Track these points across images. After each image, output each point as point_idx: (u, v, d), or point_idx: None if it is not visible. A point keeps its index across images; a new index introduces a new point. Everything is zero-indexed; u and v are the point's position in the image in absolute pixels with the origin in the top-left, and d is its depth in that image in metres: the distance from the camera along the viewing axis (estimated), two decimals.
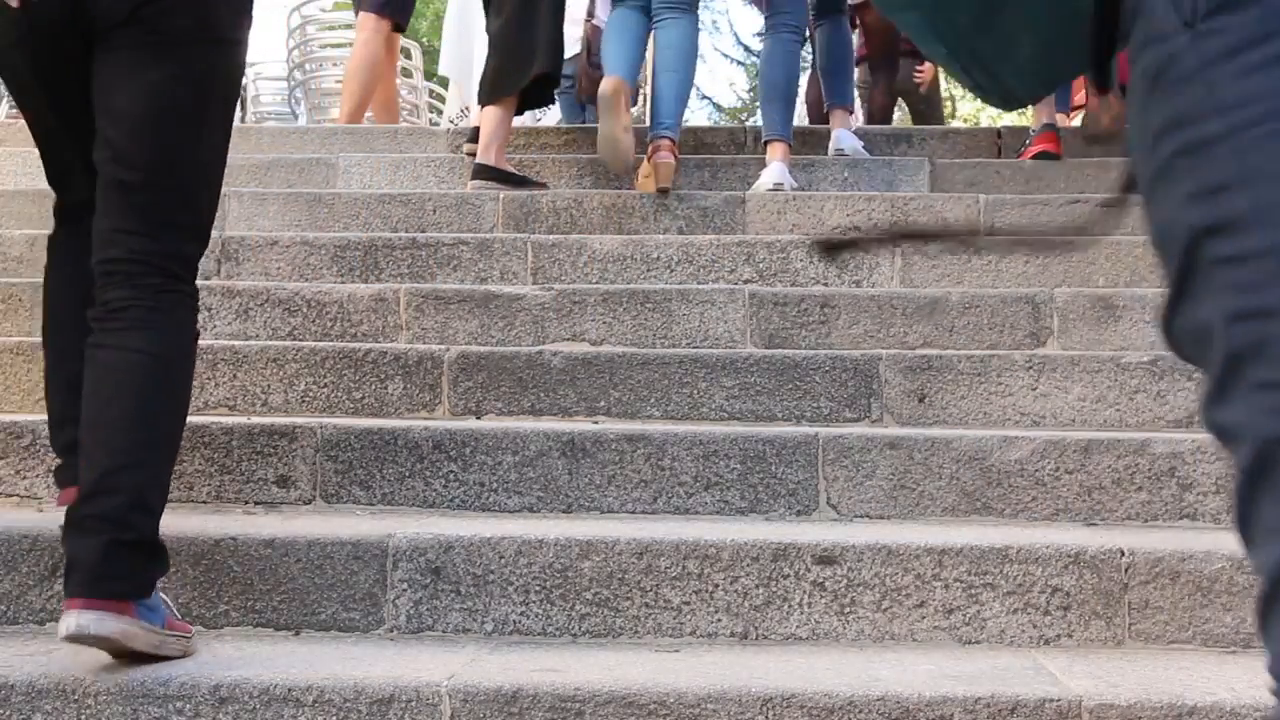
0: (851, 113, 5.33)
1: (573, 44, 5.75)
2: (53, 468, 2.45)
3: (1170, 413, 3.13)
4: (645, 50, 4.98)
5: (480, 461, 2.75)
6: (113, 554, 1.97)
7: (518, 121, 6.45)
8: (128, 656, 2.02)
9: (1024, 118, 6.95)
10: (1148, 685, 2.04)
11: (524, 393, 3.17)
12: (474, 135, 5.06)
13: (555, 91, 5.28)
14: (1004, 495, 2.71)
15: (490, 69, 4.80)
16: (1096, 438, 2.74)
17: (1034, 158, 4.89)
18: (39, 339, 3.37)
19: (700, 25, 4.96)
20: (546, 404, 3.17)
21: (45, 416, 2.53)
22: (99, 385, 2.06)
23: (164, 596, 2.15)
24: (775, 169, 4.68)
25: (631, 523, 2.63)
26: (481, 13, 6.35)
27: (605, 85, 4.45)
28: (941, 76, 7.49)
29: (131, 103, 2.11)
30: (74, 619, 1.94)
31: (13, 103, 8.66)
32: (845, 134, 5.06)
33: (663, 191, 4.51)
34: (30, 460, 2.77)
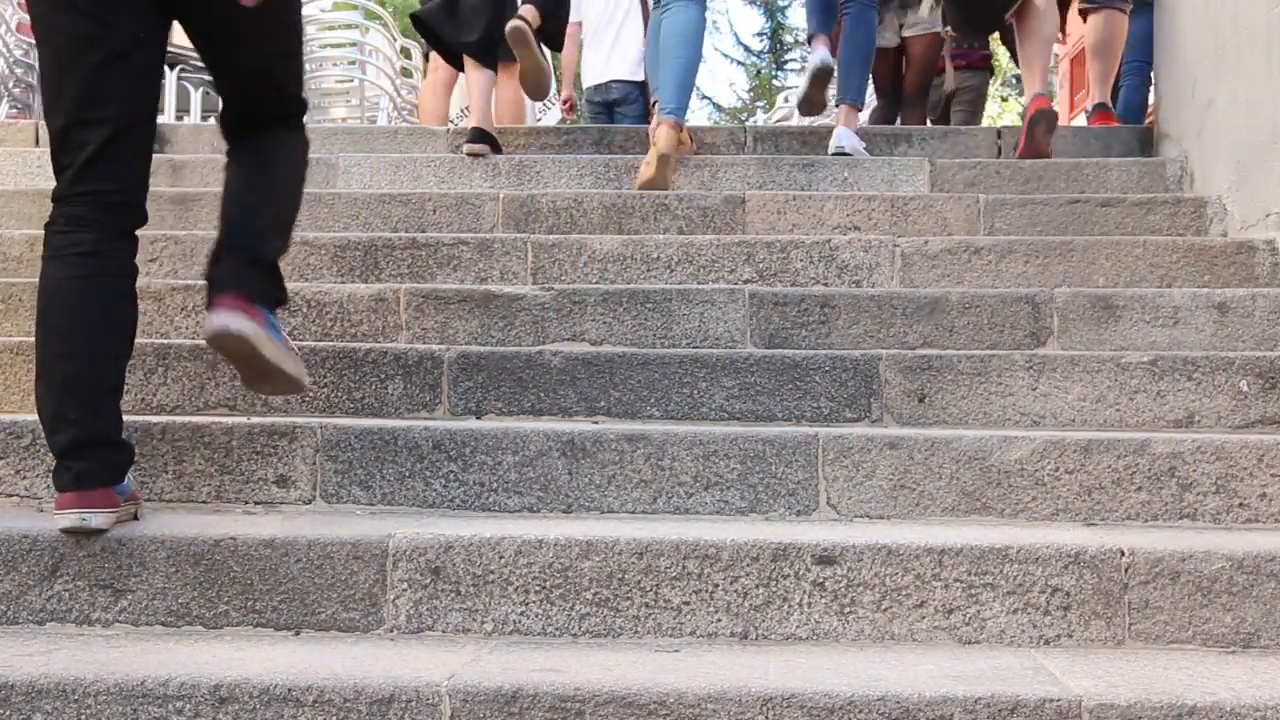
0: (860, 110, 5.30)
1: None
2: (52, 468, 2.45)
3: (1170, 413, 3.13)
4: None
5: (480, 461, 2.75)
6: (249, 267, 2.47)
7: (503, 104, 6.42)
8: (253, 360, 2.42)
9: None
10: (1148, 685, 2.04)
11: (524, 393, 3.17)
12: (473, 136, 5.07)
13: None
14: (1004, 495, 2.71)
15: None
16: (1096, 438, 2.74)
17: None
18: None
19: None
20: (546, 404, 3.17)
21: None
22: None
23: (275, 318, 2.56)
24: (842, 133, 4.93)
25: (631, 523, 2.63)
26: None
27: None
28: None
29: None
30: (214, 318, 2.38)
31: (13, 102, 8.58)
32: (847, 132, 5.01)
33: (663, 160, 4.59)
34: (30, 460, 2.77)
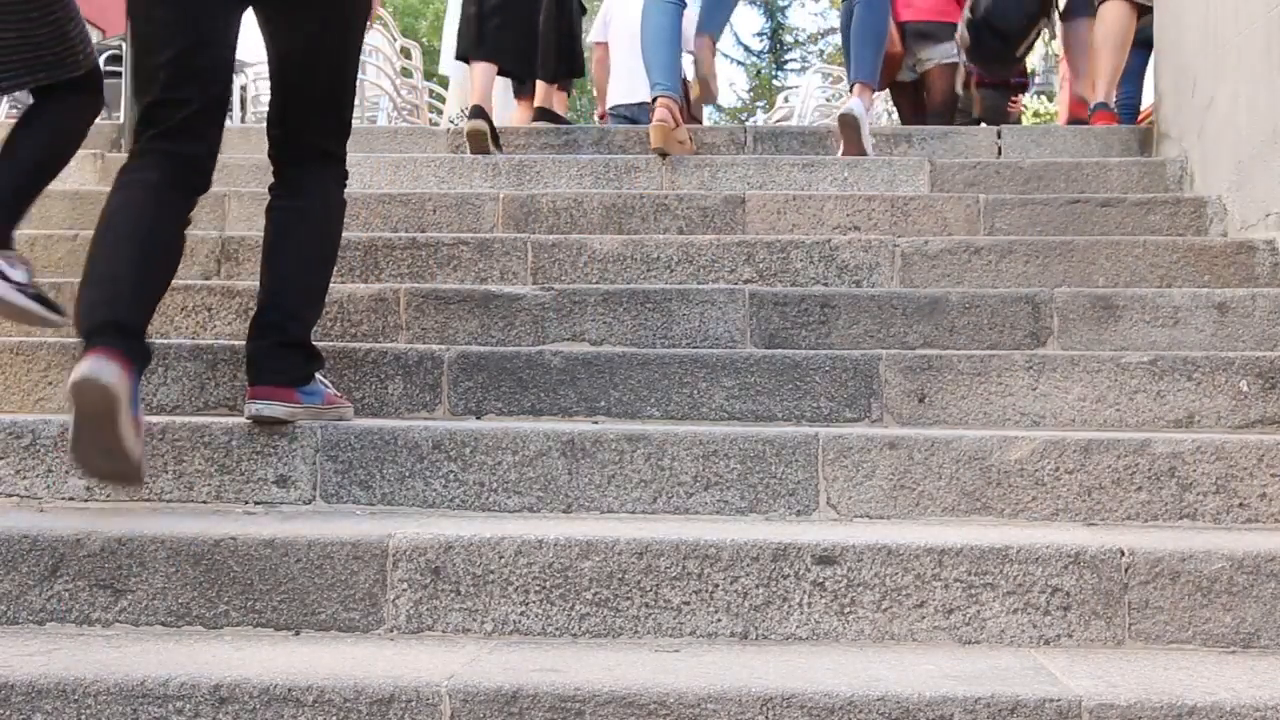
0: (872, 90, 5.44)
1: None
2: (51, 466, 2.44)
3: (1170, 413, 3.13)
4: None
5: (480, 461, 2.75)
6: (277, 352, 2.81)
7: (518, 122, 6.46)
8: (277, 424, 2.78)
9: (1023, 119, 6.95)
10: (1148, 685, 2.04)
11: (524, 393, 3.17)
12: (474, 112, 5.14)
13: None
14: (1004, 495, 2.71)
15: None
16: (1096, 438, 2.74)
17: None
18: (39, 338, 3.39)
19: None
20: (546, 404, 3.17)
21: (44, 416, 2.53)
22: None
23: (322, 380, 2.95)
24: (854, 101, 5.10)
25: (631, 523, 2.63)
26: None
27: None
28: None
29: None
30: (253, 406, 2.77)
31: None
32: (858, 102, 5.13)
33: (660, 154, 4.88)
34: (30, 460, 2.77)
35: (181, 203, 2.79)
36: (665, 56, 5.17)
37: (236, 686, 1.99)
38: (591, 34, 7.89)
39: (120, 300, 2.65)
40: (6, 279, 2.98)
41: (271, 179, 2.98)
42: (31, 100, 3.34)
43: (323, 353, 3.00)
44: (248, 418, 2.79)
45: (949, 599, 2.32)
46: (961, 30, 5.92)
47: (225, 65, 2.84)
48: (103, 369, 2.47)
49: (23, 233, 4.10)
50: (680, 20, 5.32)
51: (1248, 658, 2.25)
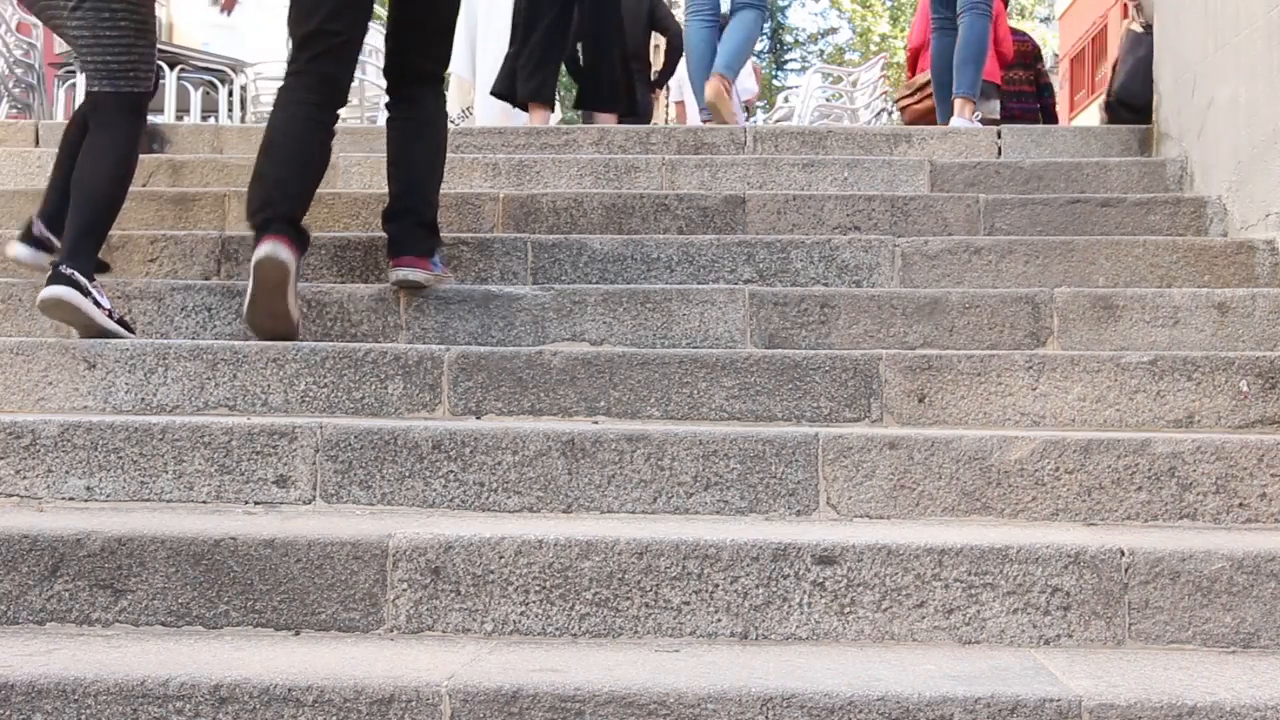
0: (973, 104, 5.95)
1: None
2: (51, 465, 2.47)
3: (1170, 413, 3.13)
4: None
5: (480, 461, 2.75)
6: (415, 232, 3.57)
7: (518, 122, 6.46)
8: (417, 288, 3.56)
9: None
10: (1148, 685, 2.04)
11: (524, 393, 3.17)
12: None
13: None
14: (1004, 495, 2.71)
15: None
16: (1096, 438, 2.74)
17: None
18: (39, 339, 3.40)
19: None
20: (546, 404, 3.17)
21: (44, 416, 2.54)
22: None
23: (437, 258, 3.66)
24: (959, 121, 5.77)
25: (631, 523, 2.63)
26: (482, 13, 6.55)
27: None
28: None
29: None
30: (397, 273, 3.53)
31: (13, 102, 8.57)
32: (963, 120, 5.71)
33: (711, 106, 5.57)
34: (30, 460, 2.77)
35: (329, 118, 3.57)
36: (705, 79, 5.77)
37: (236, 686, 1.99)
38: (672, 93, 8.55)
39: (286, 198, 3.38)
40: (99, 305, 3.34)
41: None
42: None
43: (329, 351, 3.02)
44: (393, 283, 3.55)
45: (949, 599, 2.32)
46: (1101, 109, 6.94)
47: (369, 7, 3.58)
48: (278, 249, 3.24)
49: None
50: (716, 36, 5.82)
51: (1248, 658, 2.25)
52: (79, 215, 3.42)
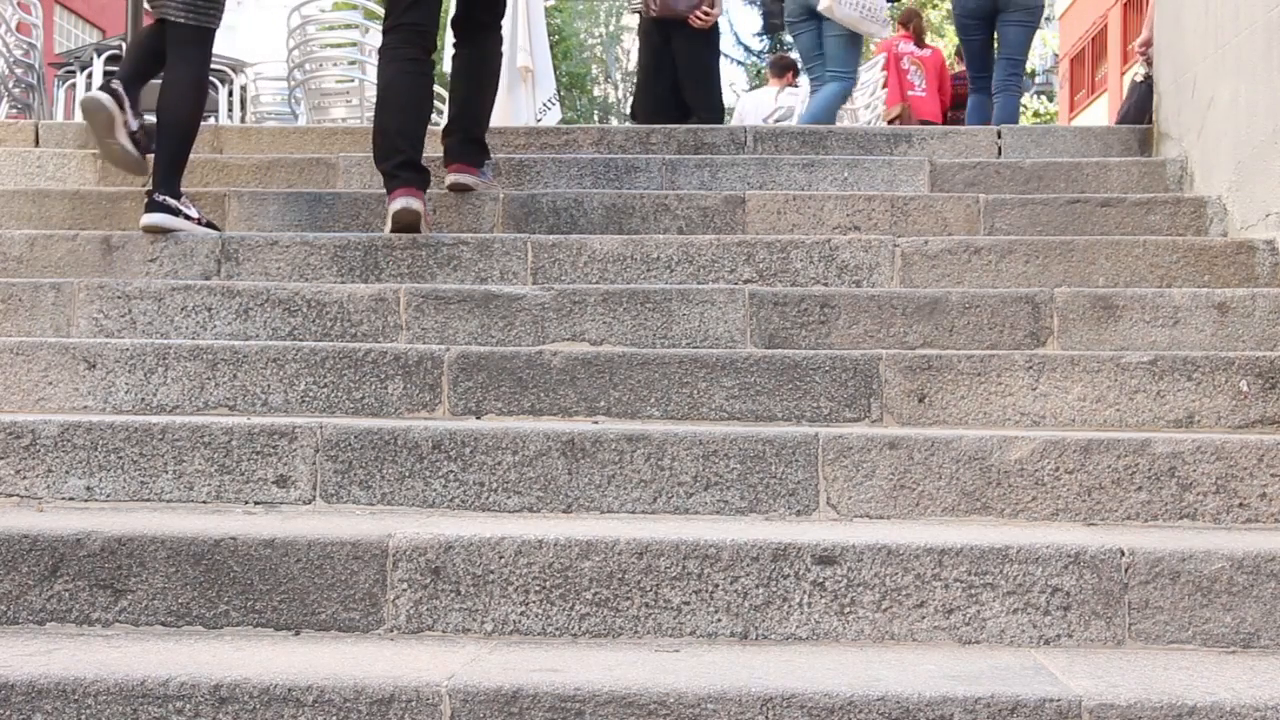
0: None
1: None
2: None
3: (1170, 413, 3.13)
4: None
5: (480, 461, 2.75)
6: (465, 143, 4.47)
7: (518, 122, 6.46)
8: (467, 190, 4.43)
9: (1025, 117, 7.03)
10: (1148, 685, 2.04)
11: (524, 393, 3.17)
12: None
13: None
14: (1004, 495, 2.71)
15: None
16: (1096, 438, 2.74)
17: None
18: (39, 339, 3.40)
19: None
20: (546, 404, 3.17)
21: (44, 416, 2.55)
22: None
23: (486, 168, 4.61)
24: None
25: (631, 523, 2.63)
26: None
27: None
28: None
29: None
30: (451, 177, 4.41)
31: (13, 102, 8.56)
32: None
33: None
34: (30, 460, 2.77)
35: (427, 66, 4.30)
36: None
37: (236, 686, 1.99)
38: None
39: (408, 142, 4.16)
40: (189, 217, 4.10)
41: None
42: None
43: (329, 351, 2.99)
44: (447, 186, 4.41)
45: (949, 599, 2.32)
46: None
47: None
48: (411, 202, 4.05)
49: (23, 232, 4.11)
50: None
51: (1248, 658, 2.25)
52: (166, 146, 4.12)
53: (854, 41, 6.19)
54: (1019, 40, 6.71)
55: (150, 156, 4.24)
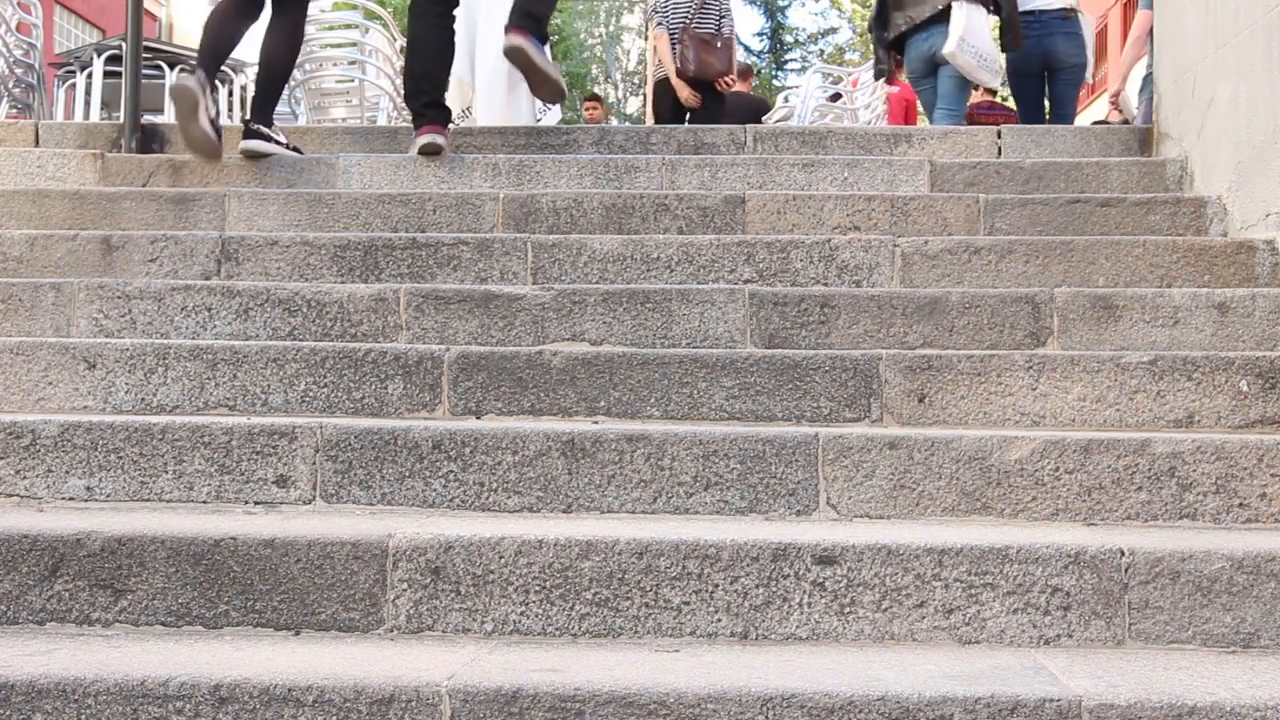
0: None
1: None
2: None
3: (1170, 413, 3.13)
4: None
5: (480, 461, 2.75)
6: (533, 28, 4.92)
7: (518, 122, 6.46)
8: (530, 68, 4.94)
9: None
10: (1148, 685, 2.04)
11: (524, 393, 3.17)
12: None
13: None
14: (1004, 495, 2.71)
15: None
16: (1096, 438, 2.74)
17: None
18: (39, 339, 3.40)
19: None
20: (546, 404, 3.17)
21: (44, 416, 2.55)
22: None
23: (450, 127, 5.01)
24: None
25: (631, 523, 2.63)
26: (483, 15, 6.72)
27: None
28: None
29: None
30: (424, 139, 4.82)
31: (13, 102, 8.56)
32: None
33: None
34: (30, 460, 2.77)
35: (449, 20, 4.96)
36: None
37: (236, 686, 1.99)
38: None
39: (432, 84, 4.88)
40: (279, 143, 4.91)
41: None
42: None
43: (329, 351, 3.00)
44: (419, 151, 4.83)
45: (949, 599, 2.32)
46: None
47: None
48: (436, 136, 4.80)
49: (23, 232, 4.11)
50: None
51: (1248, 658, 2.25)
52: (264, 83, 4.97)
53: (966, 84, 6.62)
54: (1068, 95, 7.12)
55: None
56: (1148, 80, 6.36)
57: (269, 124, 4.94)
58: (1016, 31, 6.38)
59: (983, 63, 6.29)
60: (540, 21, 5.00)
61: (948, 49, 6.24)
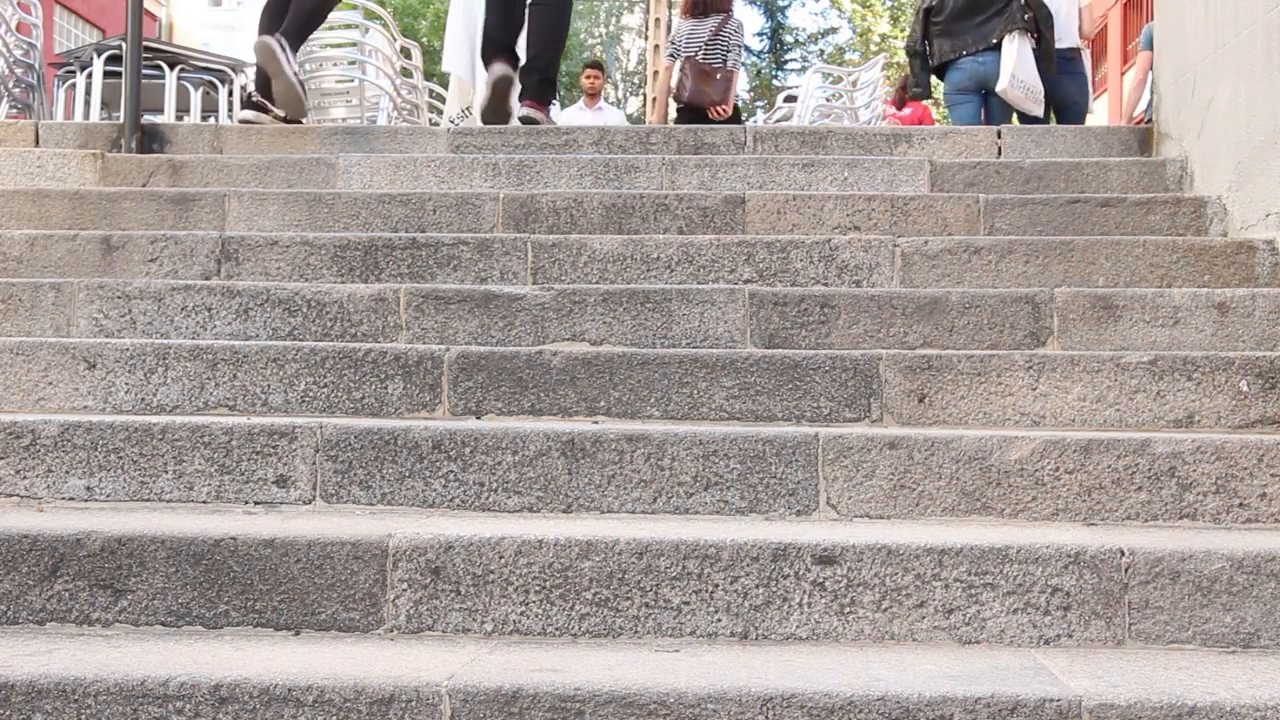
0: None
1: None
2: (51, 466, 2.53)
3: (1170, 413, 3.13)
4: None
5: (480, 461, 2.75)
6: (540, 83, 5.70)
7: (518, 121, 6.47)
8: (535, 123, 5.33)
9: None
10: (1148, 685, 2.04)
11: (524, 393, 3.17)
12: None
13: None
14: (1004, 495, 2.71)
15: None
16: (1096, 438, 2.74)
17: None
18: (39, 339, 3.40)
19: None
20: (546, 404, 3.17)
21: (44, 416, 2.56)
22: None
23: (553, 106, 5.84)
24: None
25: (631, 523, 2.63)
26: (484, 12, 6.86)
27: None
28: None
29: None
30: (523, 111, 5.61)
31: (13, 102, 8.56)
32: None
33: None
34: (30, 460, 2.77)
35: None
36: None
37: (236, 686, 1.99)
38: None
39: (503, 35, 5.61)
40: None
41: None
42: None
43: (329, 351, 2.99)
44: (520, 119, 5.55)
45: (949, 599, 2.32)
46: None
47: None
48: (506, 69, 5.48)
49: (23, 232, 4.11)
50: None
51: (1248, 658, 2.25)
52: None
53: (1010, 109, 6.92)
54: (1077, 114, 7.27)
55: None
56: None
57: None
58: (1051, 60, 6.57)
59: (1029, 94, 6.54)
60: (553, 84, 5.76)
61: (1000, 86, 6.52)
